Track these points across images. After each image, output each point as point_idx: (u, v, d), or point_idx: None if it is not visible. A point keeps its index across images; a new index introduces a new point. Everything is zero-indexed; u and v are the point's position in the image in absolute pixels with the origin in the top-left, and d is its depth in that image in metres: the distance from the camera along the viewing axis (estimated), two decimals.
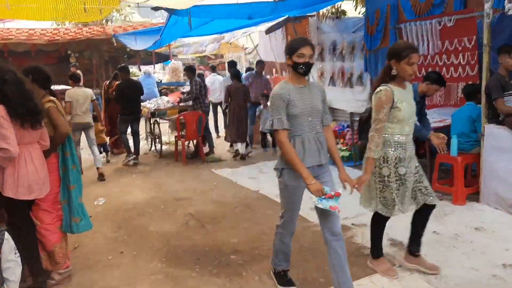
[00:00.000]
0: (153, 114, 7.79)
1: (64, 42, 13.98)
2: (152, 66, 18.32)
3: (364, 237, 3.62)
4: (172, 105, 7.97)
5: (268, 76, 9.85)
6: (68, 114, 6.00)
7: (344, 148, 6.78)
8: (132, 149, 7.43)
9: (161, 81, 12.43)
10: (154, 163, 7.50)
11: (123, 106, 7.29)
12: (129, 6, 15.66)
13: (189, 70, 7.71)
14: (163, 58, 19.33)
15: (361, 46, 7.50)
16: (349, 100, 7.94)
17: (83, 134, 6.54)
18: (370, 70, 7.14)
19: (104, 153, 7.84)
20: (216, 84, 9.85)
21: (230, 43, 20.21)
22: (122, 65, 7.84)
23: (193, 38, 17.43)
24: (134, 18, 21.60)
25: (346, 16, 9.01)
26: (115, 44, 13.18)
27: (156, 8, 6.42)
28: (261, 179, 6.01)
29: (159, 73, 13.04)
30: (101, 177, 6.48)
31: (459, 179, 4.32)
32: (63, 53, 15.47)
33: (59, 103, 3.31)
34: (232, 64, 9.35)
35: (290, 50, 2.63)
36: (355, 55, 7.90)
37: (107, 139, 8.05)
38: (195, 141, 7.83)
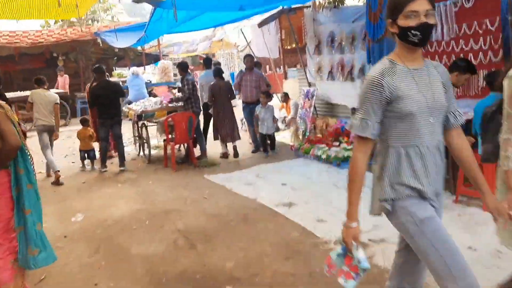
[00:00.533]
0: (139, 116, 7.17)
1: (48, 44, 13.33)
2: (143, 67, 17.80)
3: (386, 257, 3.03)
4: (160, 106, 7.36)
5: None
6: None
7: (349, 147, 6.20)
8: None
9: (150, 81, 11.80)
10: (142, 170, 6.90)
11: (99, 110, 6.83)
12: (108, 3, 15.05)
13: (181, 66, 7.11)
14: (154, 59, 18.70)
15: (362, 36, 6.92)
16: (350, 94, 7.38)
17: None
18: (374, 62, 6.55)
19: (88, 160, 7.33)
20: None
21: (221, 41, 19.70)
22: (96, 65, 7.30)
23: (183, 37, 16.82)
24: (123, 18, 20.96)
25: (344, 5, 8.42)
26: (101, 45, 12.57)
27: (138, 1, 5.77)
28: (259, 185, 5.42)
29: (149, 73, 12.41)
30: (57, 181, 6.28)
31: (490, 183, 3.74)
32: (48, 56, 14.83)
33: (8, 108, 2.70)
34: (208, 62, 8.69)
35: (394, 9, 1.73)
36: (356, 46, 7.33)
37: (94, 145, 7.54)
38: (185, 145, 7.24)
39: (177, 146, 7.66)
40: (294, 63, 13.87)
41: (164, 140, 6.99)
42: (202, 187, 5.56)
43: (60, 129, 10.63)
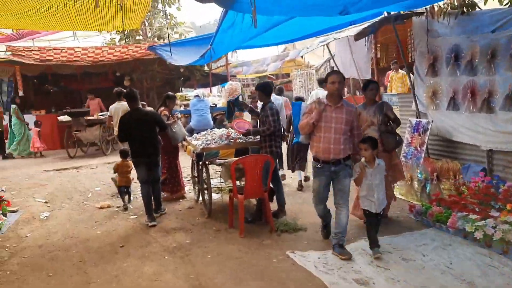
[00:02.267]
0: (199, 155, 5.40)
1: (111, 63, 12.41)
2: (208, 88, 16.49)
3: None
4: (226, 142, 5.54)
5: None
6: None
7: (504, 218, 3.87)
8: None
9: (215, 105, 10.23)
10: (199, 228, 5.08)
11: (131, 147, 5.55)
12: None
13: (264, 89, 5.27)
14: (221, 79, 17.37)
15: (511, 50, 4.69)
16: (486, 131, 5.16)
17: None
18: None
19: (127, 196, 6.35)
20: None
21: (294, 61, 17.89)
22: (127, 90, 6.01)
23: (253, 55, 15.33)
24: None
25: (477, 10, 6.13)
26: (167, 62, 11.33)
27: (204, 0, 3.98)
28: (380, 286, 3.30)
29: (214, 96, 10.88)
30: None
31: None
32: (110, 76, 14.01)
33: None
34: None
35: None
36: (498, 65, 5.11)
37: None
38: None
39: (246, 201, 5.77)
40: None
41: (230, 191, 5.14)
42: (287, 280, 3.55)
43: (95, 161, 9.33)
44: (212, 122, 9.86)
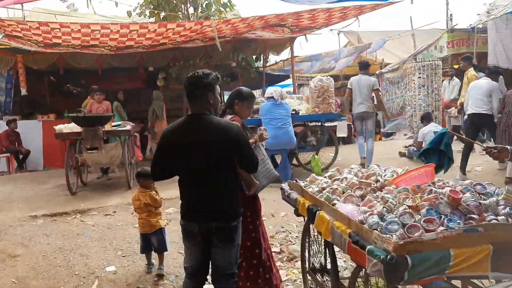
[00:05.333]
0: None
1: (141, 51, 9.09)
2: (261, 89, 13.04)
3: None
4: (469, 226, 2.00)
5: None
6: None
7: None
8: None
9: (297, 112, 6.72)
10: None
11: (181, 195, 2.58)
12: None
13: None
14: (277, 79, 13.89)
15: None
16: None
17: None
18: None
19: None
20: None
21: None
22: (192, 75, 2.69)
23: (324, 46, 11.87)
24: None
25: None
26: (220, 49, 7.91)
27: None
28: None
29: (292, 98, 7.36)
30: None
31: None
32: (142, 72, 10.72)
33: None
34: None
35: None
36: None
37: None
38: None
39: None
40: None
41: None
42: None
43: (112, 199, 6.03)
44: (295, 140, 6.35)
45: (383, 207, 2.24)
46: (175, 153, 2.59)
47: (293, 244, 4.36)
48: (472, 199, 2.13)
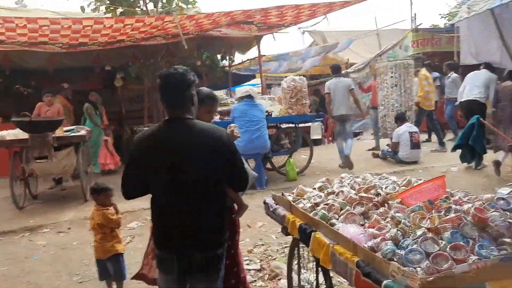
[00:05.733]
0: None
1: (97, 49, 8.37)
2: (227, 89, 12.56)
3: None
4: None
5: None
6: None
7: None
8: None
9: (270, 113, 6.32)
10: None
11: (152, 216, 2.29)
12: None
13: None
14: (243, 79, 13.46)
15: None
16: None
17: None
18: None
19: None
20: None
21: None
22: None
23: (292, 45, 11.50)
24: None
25: None
26: (185, 47, 7.33)
27: None
28: None
29: (263, 99, 6.94)
30: None
31: None
32: (98, 71, 9.96)
33: None
34: None
35: None
36: None
37: None
38: None
39: None
40: None
41: None
42: None
43: (66, 214, 5.41)
44: (269, 144, 5.97)
45: (397, 230, 1.87)
46: (151, 166, 2.10)
47: (274, 259, 3.95)
48: (501, 219, 1.81)
